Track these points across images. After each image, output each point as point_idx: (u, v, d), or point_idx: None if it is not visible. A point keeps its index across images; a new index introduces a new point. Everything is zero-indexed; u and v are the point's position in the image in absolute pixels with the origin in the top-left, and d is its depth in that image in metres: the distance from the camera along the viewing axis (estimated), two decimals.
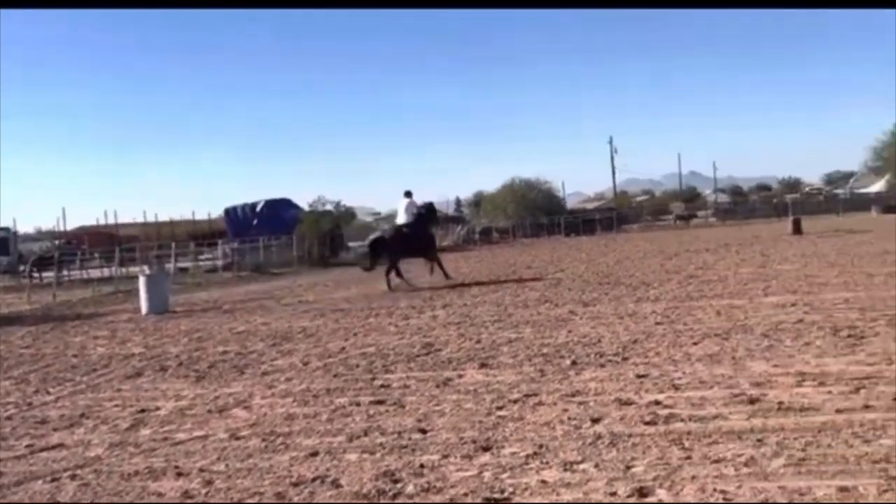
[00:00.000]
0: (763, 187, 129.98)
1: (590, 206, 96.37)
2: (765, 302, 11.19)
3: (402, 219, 19.16)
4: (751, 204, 73.56)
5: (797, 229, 32.33)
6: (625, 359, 7.72)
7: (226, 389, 7.63)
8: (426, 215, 19.56)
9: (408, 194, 19.45)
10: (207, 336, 11.87)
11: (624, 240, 41.70)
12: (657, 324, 9.86)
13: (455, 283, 18.25)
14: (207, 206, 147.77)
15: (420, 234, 19.08)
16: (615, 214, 63.52)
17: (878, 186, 71.56)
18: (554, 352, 8.36)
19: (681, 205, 77.91)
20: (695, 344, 8.20)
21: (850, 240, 25.33)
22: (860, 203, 61.13)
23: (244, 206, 43.35)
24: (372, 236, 20.01)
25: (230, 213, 43.70)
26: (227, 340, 11.24)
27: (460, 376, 7.43)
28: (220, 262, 33.44)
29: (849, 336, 7.99)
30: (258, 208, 42.67)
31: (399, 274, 18.44)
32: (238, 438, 5.77)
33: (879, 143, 66.52)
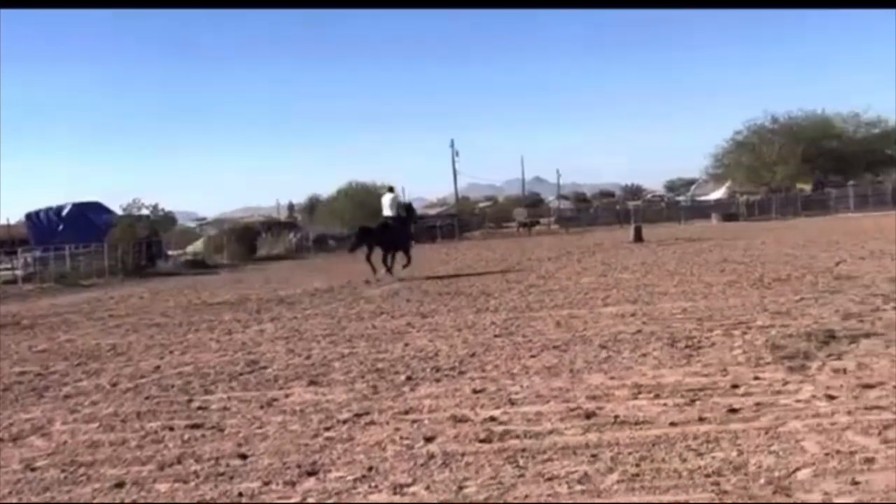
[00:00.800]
0: (606, 194, 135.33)
1: (432, 212, 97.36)
2: (604, 312, 11.66)
3: (386, 211, 22.08)
4: (593, 211, 76.41)
5: (638, 237, 33.86)
6: (462, 373, 7.85)
7: (22, 415, 7.21)
8: (409, 213, 23.00)
9: (391, 190, 23.27)
10: (3, 355, 11.19)
11: (466, 248, 42.44)
12: (496, 336, 10.08)
13: (403, 278, 20.46)
14: (6, 210, 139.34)
15: (403, 230, 22.25)
16: (457, 221, 64.47)
17: (718, 194, 76.02)
18: (389, 367, 8.39)
19: (524, 211, 79.84)
20: (533, 356, 8.44)
21: (690, 248, 26.78)
22: (701, 210, 64.54)
23: (48, 211, 41.21)
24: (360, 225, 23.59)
25: (32, 217, 41.44)
26: (25, 360, 10.64)
27: (287, 396, 7.33)
28: (20, 273, 31.65)
29: (685, 347, 8.43)
30: (64, 213, 40.66)
31: (371, 263, 20.88)
32: (34, 469, 5.46)
33: (720, 150, 71.41)
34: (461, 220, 68.89)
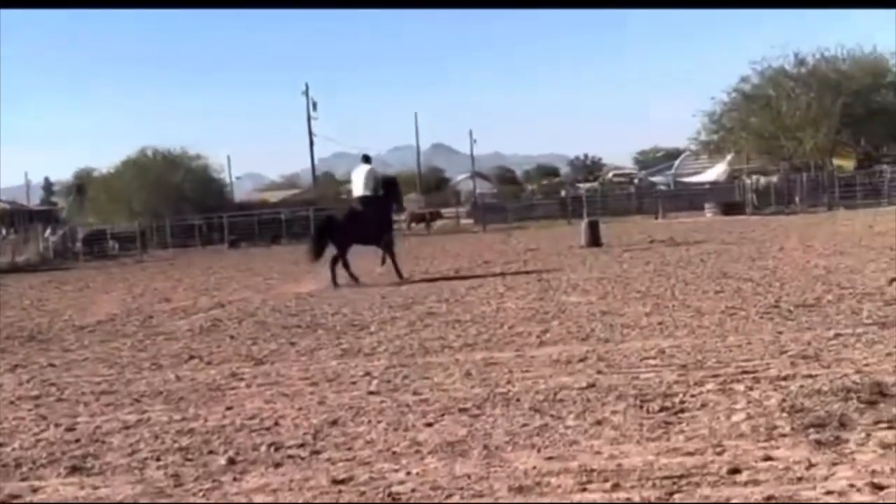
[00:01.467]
0: (547, 171, 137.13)
1: (273, 197, 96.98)
2: (539, 355, 11.77)
3: (359, 190, 24.71)
4: (527, 197, 77.31)
5: (594, 239, 34.31)
6: (316, 452, 7.82)
7: None
8: (390, 191, 25.43)
9: (366, 159, 25.59)
10: None
11: (329, 253, 42.25)
12: (372, 393, 10.08)
13: (403, 282, 23.33)
14: None
15: (378, 216, 24.52)
16: (313, 212, 64.22)
17: (714, 173, 77.58)
18: (201, 443, 8.31)
19: (418, 198, 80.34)
20: (428, 425, 8.46)
21: (671, 256, 27.28)
22: (689, 198, 65.87)
23: None
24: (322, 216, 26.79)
25: None
26: None
27: (34, 490, 7.20)
28: None
29: (661, 410, 8.57)
30: None
31: (346, 265, 23.81)
32: None
33: (716, 105, 72.10)
34: (321, 209, 68.62)
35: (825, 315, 13.74)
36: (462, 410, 8.97)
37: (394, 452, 7.68)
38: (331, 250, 24.57)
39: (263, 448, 8.06)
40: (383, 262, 24.80)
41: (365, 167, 25.14)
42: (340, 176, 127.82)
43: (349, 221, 24.26)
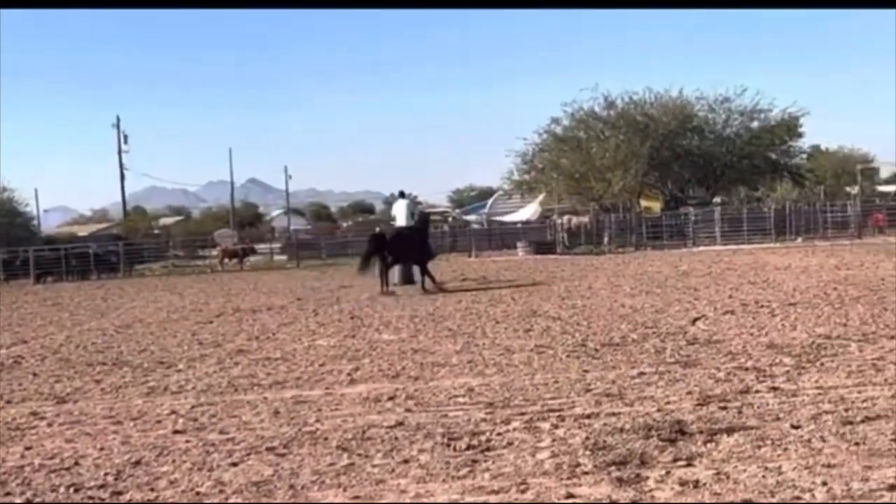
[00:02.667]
0: (362, 208, 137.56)
1: (82, 231, 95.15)
2: (349, 394, 11.78)
3: (402, 221, 31.38)
4: (342, 234, 77.28)
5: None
6: (117, 493, 7.69)
7: None
8: (426, 223, 32.12)
9: (403, 195, 32.95)
10: None
11: (136, 289, 41.66)
12: (177, 432, 9.96)
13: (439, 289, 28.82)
14: None
15: (421, 240, 29.97)
16: (122, 247, 63.23)
17: (527, 212, 78.81)
18: None
19: (232, 233, 79.59)
20: (234, 465, 8.39)
21: (483, 295, 27.52)
22: (503, 237, 66.78)
23: None
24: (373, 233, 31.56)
25: None
26: None
27: None
28: None
29: (468, 448, 8.64)
30: None
31: (386, 276, 29.29)
32: None
33: (528, 146, 73.27)
34: (130, 244, 67.60)
35: (630, 354, 14.04)
36: (269, 450, 8.92)
37: (197, 493, 7.59)
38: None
39: (62, 489, 7.89)
40: (423, 280, 29.73)
41: (403, 201, 32.46)
42: (152, 210, 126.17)
43: (399, 242, 29.57)
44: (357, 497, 7.28)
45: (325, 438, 9.28)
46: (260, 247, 74.31)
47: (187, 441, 9.50)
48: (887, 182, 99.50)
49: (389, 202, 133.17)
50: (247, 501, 7.33)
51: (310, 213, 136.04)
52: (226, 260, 63.21)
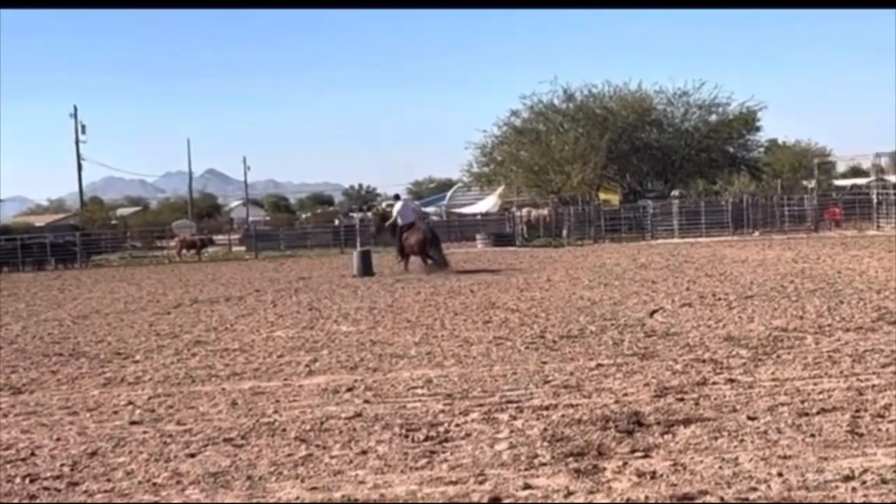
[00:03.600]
0: (321, 200, 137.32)
1: (39, 221, 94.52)
2: (307, 385, 11.79)
3: (405, 219, 34.71)
4: (300, 225, 77.11)
5: (366, 268, 34.41)
6: (73, 484, 7.67)
7: None
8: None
9: (397, 197, 39.22)
10: None
11: (93, 280, 41.40)
12: (134, 423, 9.94)
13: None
14: None
15: (433, 233, 35.09)
16: (79, 237, 62.81)
17: (486, 204, 78.76)
18: None
19: (190, 224, 79.27)
20: (191, 456, 8.38)
21: (442, 286, 27.50)
22: (462, 229, 66.64)
23: None
24: (417, 237, 33.83)
25: None
26: None
27: None
28: None
29: (426, 439, 8.66)
30: None
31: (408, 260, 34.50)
32: None
33: (488, 139, 73.29)
34: (87, 235, 67.16)
35: (588, 346, 14.10)
36: (227, 440, 8.91)
37: (154, 484, 7.57)
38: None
39: (18, 480, 7.86)
40: (429, 264, 33.41)
41: (400, 202, 37.19)
42: (109, 201, 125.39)
43: (434, 235, 34.64)
44: (315, 488, 7.28)
45: (283, 429, 9.28)
46: (218, 238, 73.86)
47: (144, 432, 9.46)
48: (844, 176, 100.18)
49: (348, 194, 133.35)
50: (204, 492, 7.31)
51: (268, 205, 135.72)
52: (184, 251, 62.84)
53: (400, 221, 34.91)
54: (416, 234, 34.06)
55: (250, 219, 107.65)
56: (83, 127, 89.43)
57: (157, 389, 11.93)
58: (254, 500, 7.05)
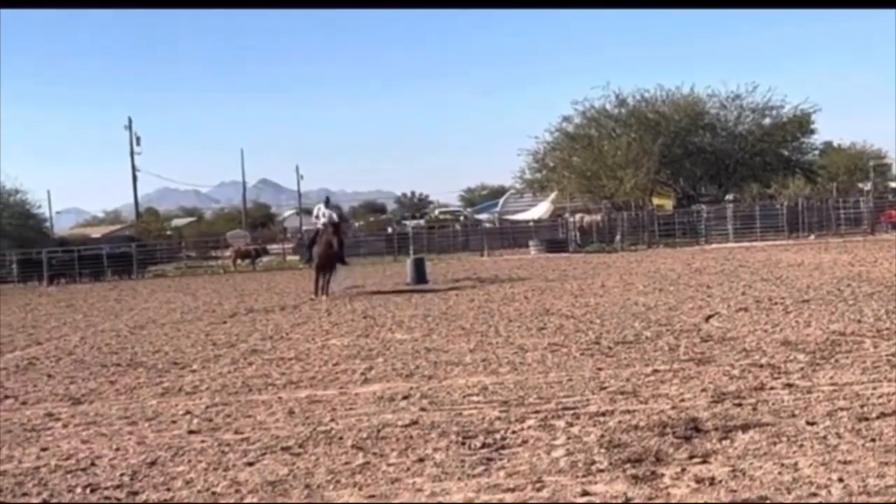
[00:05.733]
0: (374, 208, 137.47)
1: (95, 233, 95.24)
2: (363, 393, 11.80)
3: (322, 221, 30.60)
4: (354, 233, 77.20)
5: (420, 276, 34.43)
6: (133, 493, 7.70)
7: None
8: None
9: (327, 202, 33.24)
10: None
11: (149, 290, 41.71)
12: (192, 432, 9.97)
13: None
14: None
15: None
16: (135, 248, 63.29)
17: (539, 211, 78.70)
18: (14, 485, 8.12)
19: (245, 234, 79.56)
20: (250, 465, 8.40)
21: (496, 293, 27.53)
22: (514, 235, 66.61)
23: None
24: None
25: None
26: None
27: None
28: None
29: (483, 446, 8.65)
30: None
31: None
32: None
33: (540, 144, 73.11)
34: (143, 245, 67.64)
35: (643, 351, 14.03)
36: (284, 449, 8.92)
37: (213, 493, 7.60)
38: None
39: (79, 490, 7.90)
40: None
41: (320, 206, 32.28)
42: (164, 211, 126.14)
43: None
44: (372, 496, 7.28)
45: (340, 438, 9.28)
46: (272, 247, 74.23)
47: (202, 441, 9.50)
48: None
49: (401, 202, 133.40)
50: (262, 501, 7.34)
51: None
52: (238, 260, 63.15)
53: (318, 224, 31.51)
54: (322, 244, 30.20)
55: (304, 228, 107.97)
56: (138, 139, 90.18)
57: (214, 399, 11.98)
58: None
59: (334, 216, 31.25)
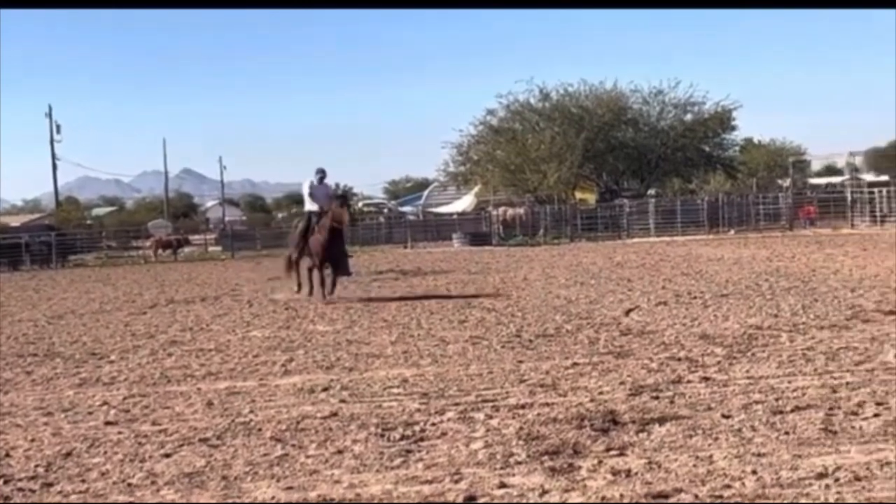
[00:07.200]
0: (297, 199, 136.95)
1: (14, 221, 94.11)
2: (283, 385, 11.79)
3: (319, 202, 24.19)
4: (277, 224, 76.91)
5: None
6: (48, 485, 7.66)
7: None
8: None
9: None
10: None
11: (68, 280, 41.25)
12: (109, 423, 9.93)
13: None
14: None
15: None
16: (54, 238, 62.55)
17: (462, 204, 78.80)
18: None
19: (166, 224, 79.02)
20: (167, 456, 8.36)
21: (418, 286, 27.57)
22: (438, 228, 66.63)
23: None
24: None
25: None
26: None
27: None
28: None
29: (402, 438, 8.67)
30: None
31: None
32: None
33: (464, 138, 73.29)
34: (63, 235, 66.85)
35: (564, 345, 14.13)
36: (202, 441, 8.90)
37: (129, 484, 7.56)
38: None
39: None
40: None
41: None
42: (85, 201, 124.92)
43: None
44: (290, 488, 7.28)
45: (259, 429, 9.28)
46: (194, 238, 73.72)
47: (119, 432, 9.44)
48: (818, 175, 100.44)
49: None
50: (179, 492, 7.30)
51: (245, 204, 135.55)
52: (159, 251, 62.63)
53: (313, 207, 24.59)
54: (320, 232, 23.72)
55: (226, 218, 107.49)
56: (58, 127, 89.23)
57: (132, 390, 11.90)
58: (229, 501, 7.04)
59: (336, 193, 27.57)
